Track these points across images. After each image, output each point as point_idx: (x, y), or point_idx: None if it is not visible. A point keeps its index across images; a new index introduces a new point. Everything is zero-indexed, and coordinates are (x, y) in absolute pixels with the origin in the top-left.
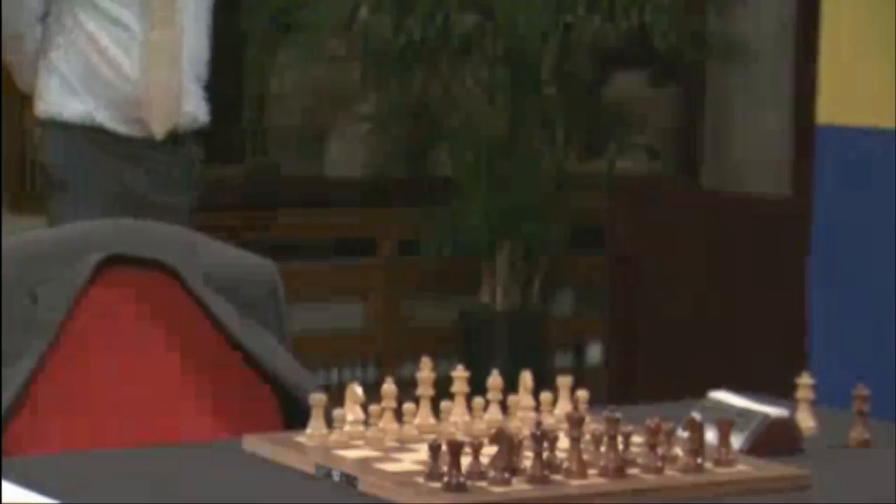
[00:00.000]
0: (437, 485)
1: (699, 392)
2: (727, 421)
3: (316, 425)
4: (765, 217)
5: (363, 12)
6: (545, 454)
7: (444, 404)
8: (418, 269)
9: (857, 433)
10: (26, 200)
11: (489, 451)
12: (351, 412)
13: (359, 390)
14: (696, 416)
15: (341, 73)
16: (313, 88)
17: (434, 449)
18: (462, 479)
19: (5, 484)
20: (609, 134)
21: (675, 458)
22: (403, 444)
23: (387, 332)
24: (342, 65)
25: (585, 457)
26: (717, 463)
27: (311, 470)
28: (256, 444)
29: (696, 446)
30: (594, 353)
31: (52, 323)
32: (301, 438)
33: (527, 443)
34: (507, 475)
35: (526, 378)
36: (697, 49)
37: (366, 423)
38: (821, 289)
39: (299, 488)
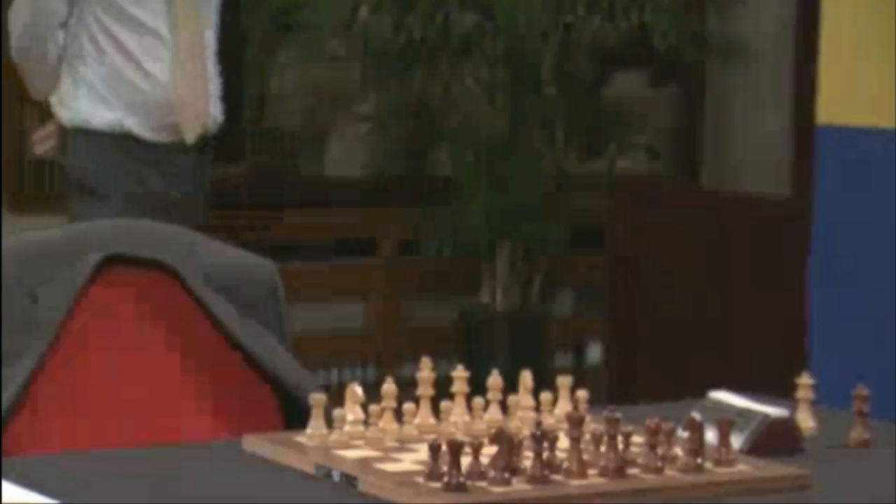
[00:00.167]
0: (437, 485)
1: (699, 392)
2: (727, 421)
3: (316, 425)
4: (765, 217)
5: (363, 12)
6: (545, 454)
7: (444, 404)
8: (418, 269)
9: (857, 433)
10: (26, 200)
11: (489, 451)
12: (351, 412)
13: (359, 390)
14: (696, 416)
15: (341, 73)
16: (313, 88)
17: (434, 449)
18: (462, 479)
19: (5, 484)
20: (609, 134)
21: (675, 458)
22: (403, 444)
23: (387, 332)
24: (342, 65)
25: (585, 457)
26: (717, 463)
27: (311, 470)
28: (256, 444)
29: (696, 446)
30: (594, 353)
31: (52, 323)
32: (301, 438)
33: (527, 443)
34: (507, 475)
35: (526, 378)
36: (697, 49)
37: (366, 423)
38: (821, 289)
39: (299, 488)
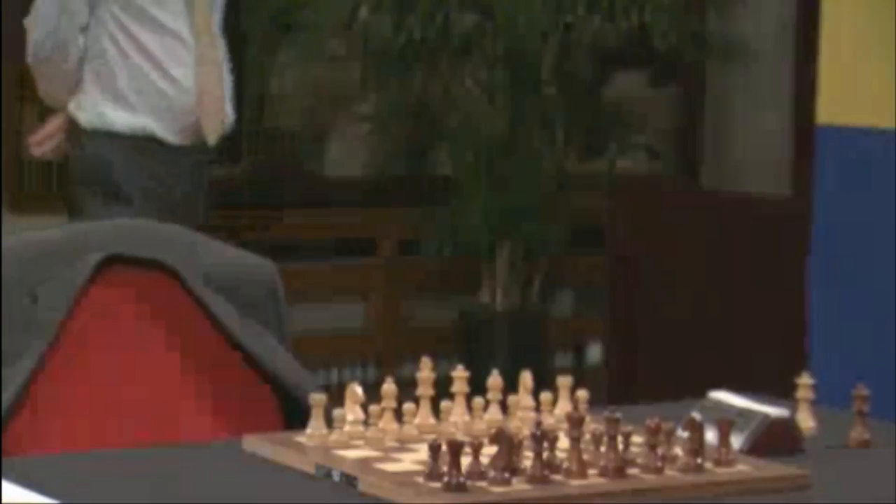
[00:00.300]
0: (437, 485)
1: (699, 392)
2: (727, 421)
3: (316, 425)
4: (765, 217)
5: (363, 12)
6: (545, 454)
7: (444, 404)
8: (418, 269)
9: (857, 433)
10: (26, 200)
11: (489, 451)
12: (351, 412)
13: (359, 390)
14: (696, 416)
15: (341, 73)
16: (313, 88)
17: (434, 449)
18: (462, 479)
19: (5, 484)
20: (609, 134)
21: (675, 458)
22: (403, 444)
23: (387, 332)
24: (342, 65)
25: (585, 457)
26: (717, 463)
27: (311, 470)
28: (256, 444)
29: (696, 446)
30: (594, 353)
31: (52, 323)
32: (301, 438)
33: (527, 443)
34: (507, 475)
35: (526, 378)
36: (697, 49)
37: (366, 423)
38: (821, 289)
39: (299, 488)
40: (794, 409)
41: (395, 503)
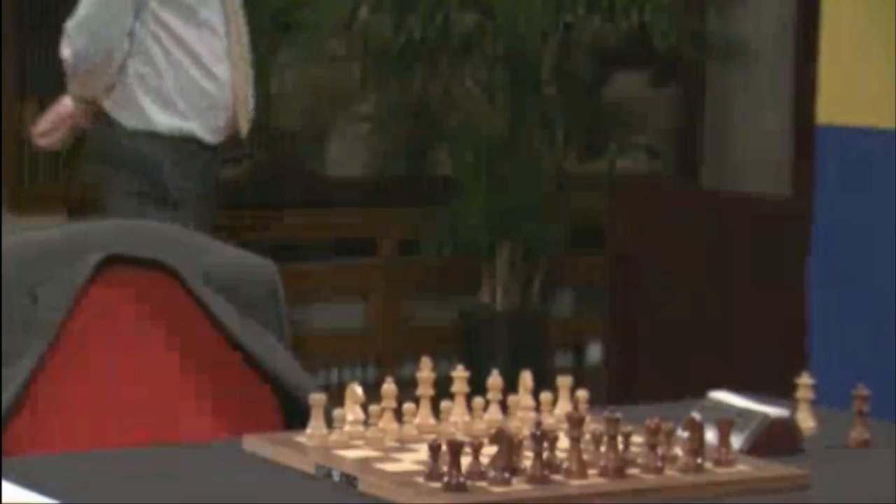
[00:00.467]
0: (437, 485)
1: (699, 392)
2: (727, 421)
3: (316, 425)
4: (765, 217)
5: (363, 12)
6: (545, 454)
7: (444, 404)
8: (418, 269)
9: (857, 433)
10: (26, 200)
11: (489, 451)
12: (351, 412)
13: (359, 390)
14: (696, 416)
15: (341, 73)
16: (313, 88)
17: (434, 449)
18: (462, 479)
19: (5, 484)
20: (609, 134)
21: (675, 458)
22: (403, 444)
23: (387, 332)
24: (342, 65)
25: (585, 457)
26: (717, 463)
27: (311, 470)
28: (256, 444)
29: (696, 446)
30: (594, 353)
31: (52, 323)
32: (301, 438)
33: (527, 443)
34: (507, 475)
35: (526, 378)
36: (697, 49)
37: (366, 423)
38: (821, 289)
39: (299, 488)
40: (794, 409)
41: (395, 503)
